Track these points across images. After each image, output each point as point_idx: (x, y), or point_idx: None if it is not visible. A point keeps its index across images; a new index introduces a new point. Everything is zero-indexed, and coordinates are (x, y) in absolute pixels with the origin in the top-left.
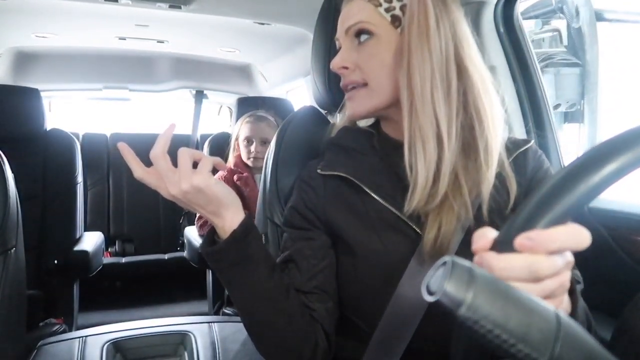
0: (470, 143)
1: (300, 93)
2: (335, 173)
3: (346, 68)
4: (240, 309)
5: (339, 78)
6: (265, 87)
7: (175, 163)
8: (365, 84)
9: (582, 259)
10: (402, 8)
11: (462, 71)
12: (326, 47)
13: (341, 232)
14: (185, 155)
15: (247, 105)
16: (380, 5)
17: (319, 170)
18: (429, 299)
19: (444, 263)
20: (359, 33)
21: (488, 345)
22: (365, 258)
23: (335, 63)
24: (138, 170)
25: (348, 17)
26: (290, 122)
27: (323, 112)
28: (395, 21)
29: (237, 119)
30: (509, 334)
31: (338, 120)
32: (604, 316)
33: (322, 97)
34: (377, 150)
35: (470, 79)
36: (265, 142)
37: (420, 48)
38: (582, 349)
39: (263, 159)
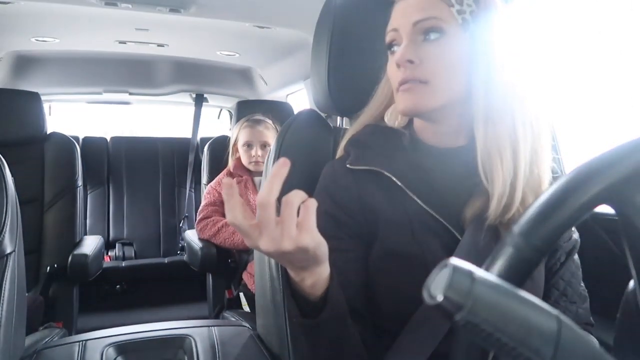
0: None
1: (301, 96)
2: (371, 168)
3: (412, 62)
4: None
5: (339, 81)
6: (266, 91)
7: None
8: (425, 82)
9: (584, 264)
10: (472, 14)
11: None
12: (326, 50)
13: (377, 231)
14: (292, 206)
15: (247, 108)
16: (453, 5)
17: (348, 165)
18: (430, 302)
19: (445, 266)
20: (428, 30)
21: (489, 349)
22: (399, 259)
23: (403, 55)
24: (237, 214)
25: (417, 10)
26: (290, 126)
27: (323, 115)
28: (465, 24)
29: (237, 122)
30: (510, 337)
31: (339, 122)
32: (606, 320)
33: (322, 100)
34: (408, 152)
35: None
36: (265, 146)
37: (499, 57)
38: (584, 352)
39: (264, 162)
